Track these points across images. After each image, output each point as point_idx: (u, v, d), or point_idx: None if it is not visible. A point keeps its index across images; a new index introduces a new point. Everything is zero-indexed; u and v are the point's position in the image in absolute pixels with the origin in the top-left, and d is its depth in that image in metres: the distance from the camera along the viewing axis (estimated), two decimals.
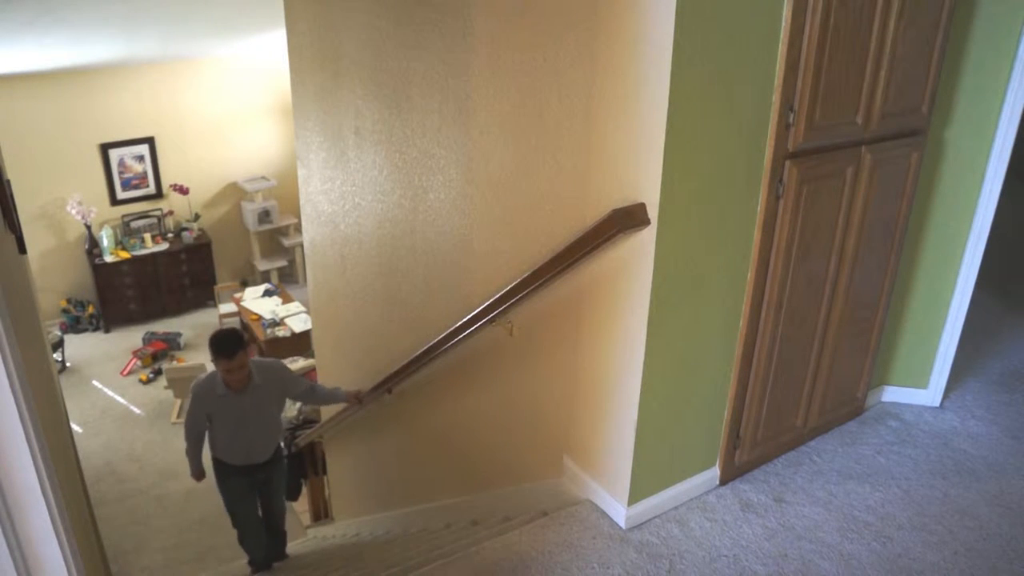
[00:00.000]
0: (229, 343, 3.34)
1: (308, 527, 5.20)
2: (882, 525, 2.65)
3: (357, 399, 3.68)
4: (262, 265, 8.83)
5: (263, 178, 8.66)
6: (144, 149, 7.91)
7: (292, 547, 4.67)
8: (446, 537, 3.12)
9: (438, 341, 2.96)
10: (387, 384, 3.37)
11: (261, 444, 3.69)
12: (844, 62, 2.34)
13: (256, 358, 3.61)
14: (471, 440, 3.31)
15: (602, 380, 2.63)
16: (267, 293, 7.83)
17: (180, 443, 6.28)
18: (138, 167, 7.95)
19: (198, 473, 3.79)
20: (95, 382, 7.21)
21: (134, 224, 8.04)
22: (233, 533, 3.96)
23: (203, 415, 3.55)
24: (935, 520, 2.67)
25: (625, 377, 2.48)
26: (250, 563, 4.23)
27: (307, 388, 3.78)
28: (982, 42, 2.75)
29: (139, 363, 7.43)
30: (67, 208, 7.56)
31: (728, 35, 2.10)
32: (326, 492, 5.06)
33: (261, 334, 7.13)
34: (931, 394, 3.33)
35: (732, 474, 2.86)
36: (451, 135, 2.78)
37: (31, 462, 1.09)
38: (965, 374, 3.54)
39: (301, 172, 3.88)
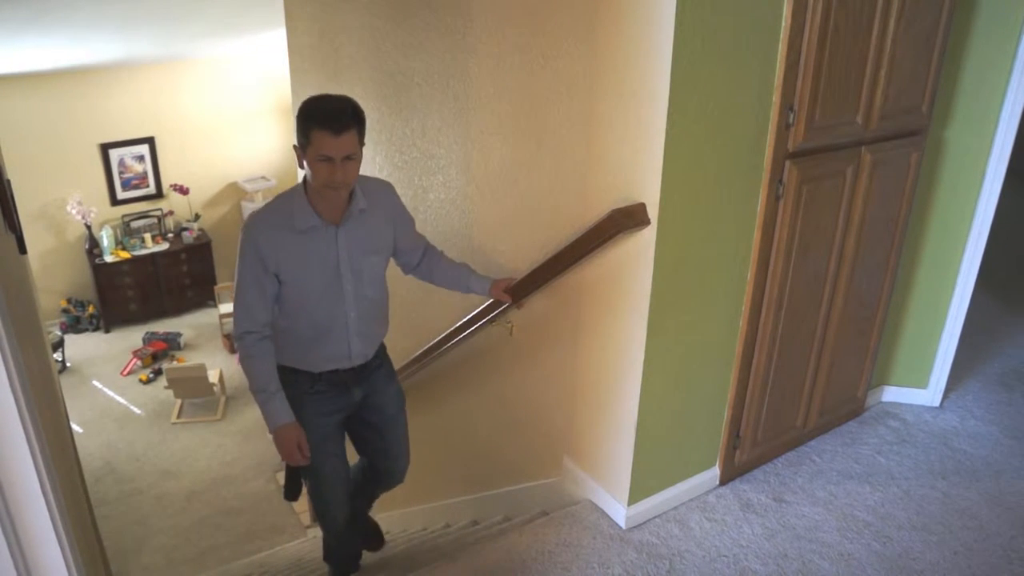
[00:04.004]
0: (337, 105, 1.91)
1: (308, 527, 5.19)
2: (882, 525, 2.65)
3: (507, 292, 2.37)
4: None
5: (263, 178, 8.65)
6: (144, 149, 7.90)
7: (291, 548, 4.65)
8: (446, 537, 3.12)
9: (438, 341, 2.96)
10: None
11: (365, 326, 2.18)
12: (844, 62, 2.34)
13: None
14: (471, 440, 3.31)
15: (602, 380, 2.63)
16: None
17: (180, 443, 6.33)
18: (138, 167, 7.95)
19: (290, 422, 2.04)
20: (95, 382, 7.20)
21: (134, 224, 8.04)
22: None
23: (270, 276, 2.00)
24: (935, 520, 2.67)
25: (625, 377, 2.48)
26: (332, 561, 2.71)
27: (421, 241, 2.37)
28: (982, 42, 2.75)
29: (139, 363, 7.42)
30: (67, 208, 7.55)
31: (728, 35, 2.11)
32: None
33: None
34: (931, 394, 3.33)
35: (732, 474, 2.86)
36: (451, 135, 2.79)
37: (31, 462, 1.09)
38: (965, 374, 3.54)
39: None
